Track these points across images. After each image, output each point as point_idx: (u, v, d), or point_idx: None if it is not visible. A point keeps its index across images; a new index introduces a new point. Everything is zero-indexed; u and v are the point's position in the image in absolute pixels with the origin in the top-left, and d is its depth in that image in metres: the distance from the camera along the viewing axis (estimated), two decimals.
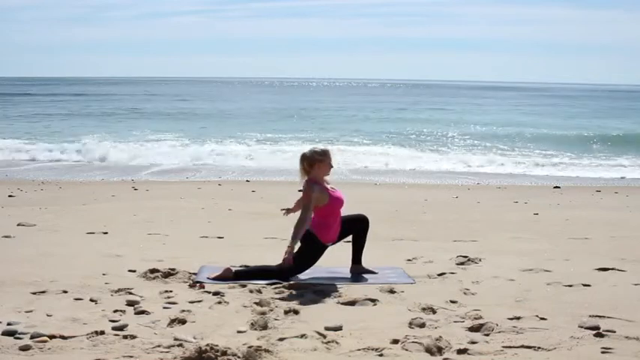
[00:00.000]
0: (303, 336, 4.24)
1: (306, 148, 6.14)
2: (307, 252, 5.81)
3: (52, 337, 4.10)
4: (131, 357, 3.85)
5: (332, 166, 5.97)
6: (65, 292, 5.24)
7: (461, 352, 4.01)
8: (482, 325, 4.46)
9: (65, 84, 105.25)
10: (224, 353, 3.82)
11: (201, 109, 45.05)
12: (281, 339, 4.17)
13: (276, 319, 4.60)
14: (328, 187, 5.91)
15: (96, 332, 4.19)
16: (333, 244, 5.96)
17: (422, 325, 4.51)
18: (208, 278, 5.67)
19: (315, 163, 5.86)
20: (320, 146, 6.09)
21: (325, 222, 5.83)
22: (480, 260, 6.62)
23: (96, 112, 41.62)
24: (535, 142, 26.77)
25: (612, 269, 6.29)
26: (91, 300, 5.01)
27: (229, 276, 5.69)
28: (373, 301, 5.15)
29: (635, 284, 5.74)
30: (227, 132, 28.66)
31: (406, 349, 4.03)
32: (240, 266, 6.08)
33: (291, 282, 5.58)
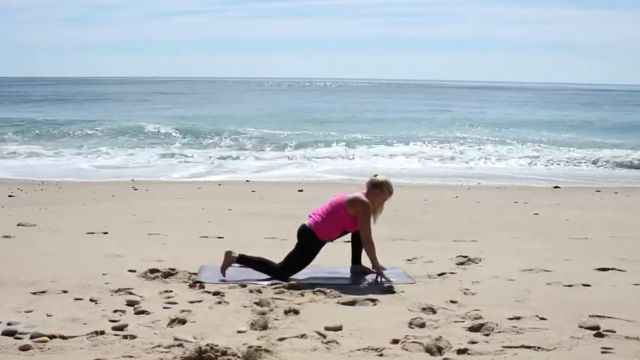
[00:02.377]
0: (303, 336, 4.24)
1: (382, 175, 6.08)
2: (305, 248, 5.83)
3: (52, 337, 4.11)
4: (131, 357, 3.85)
5: (389, 194, 5.96)
6: (65, 292, 5.24)
7: (461, 352, 4.01)
8: (482, 325, 4.46)
9: (69, 84, 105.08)
10: (224, 353, 3.82)
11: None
12: (281, 339, 4.17)
13: (276, 319, 4.60)
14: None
15: (96, 332, 4.19)
16: (331, 241, 5.97)
17: (422, 325, 4.51)
18: (221, 279, 5.69)
19: (374, 190, 5.89)
20: (380, 177, 6.00)
21: (329, 223, 5.83)
22: (480, 260, 6.62)
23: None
24: (535, 142, 26.75)
25: (612, 269, 6.29)
26: (91, 300, 5.01)
27: (233, 260, 5.80)
28: (373, 301, 5.15)
29: (635, 284, 5.75)
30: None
31: (406, 349, 4.04)
32: (241, 266, 6.08)
33: (291, 282, 5.58)
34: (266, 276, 5.79)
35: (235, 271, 5.91)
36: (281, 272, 5.76)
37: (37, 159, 20.91)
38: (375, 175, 6.05)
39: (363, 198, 5.85)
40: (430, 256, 6.81)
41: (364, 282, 5.79)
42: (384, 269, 5.88)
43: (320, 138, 27.20)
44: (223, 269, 5.79)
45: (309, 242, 5.85)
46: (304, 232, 5.88)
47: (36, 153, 21.91)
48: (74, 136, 26.92)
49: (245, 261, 5.89)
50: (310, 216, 5.96)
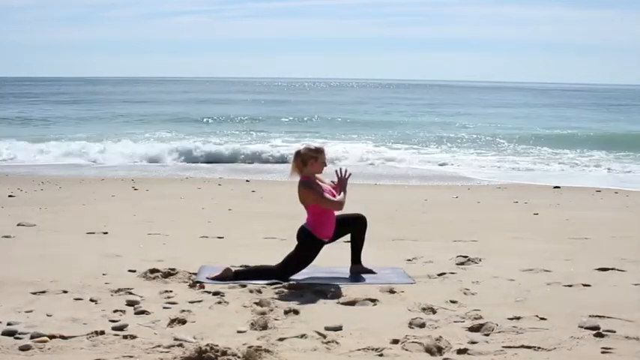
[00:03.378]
0: (303, 336, 4.24)
1: (301, 145, 6.07)
2: (304, 249, 5.81)
3: (52, 337, 4.11)
4: (131, 357, 3.85)
5: (325, 165, 5.90)
6: (65, 292, 5.24)
7: (461, 352, 4.01)
8: (482, 325, 4.46)
9: (76, 84, 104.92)
10: (224, 353, 3.82)
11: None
12: (281, 339, 4.17)
13: (276, 319, 4.60)
14: (322, 184, 5.88)
15: (96, 332, 4.19)
16: (330, 241, 5.95)
17: (422, 325, 4.51)
18: (208, 278, 5.68)
19: (308, 160, 5.82)
20: (315, 143, 6.06)
21: (320, 220, 5.82)
22: (480, 260, 6.62)
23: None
24: (535, 142, 26.75)
25: (612, 269, 6.29)
26: (91, 300, 5.01)
27: (229, 276, 5.70)
28: (373, 301, 5.15)
29: (635, 284, 5.75)
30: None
31: (406, 349, 4.04)
32: (240, 266, 6.09)
33: (291, 282, 5.58)
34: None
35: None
36: (280, 273, 5.74)
37: None
38: (306, 145, 5.96)
39: (303, 184, 5.77)
40: (430, 256, 6.81)
41: (364, 282, 5.79)
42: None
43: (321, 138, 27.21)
44: (217, 278, 5.69)
45: (307, 243, 5.84)
46: (302, 233, 5.87)
47: None
48: None
49: (242, 277, 5.74)
50: (306, 221, 5.92)
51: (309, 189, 5.76)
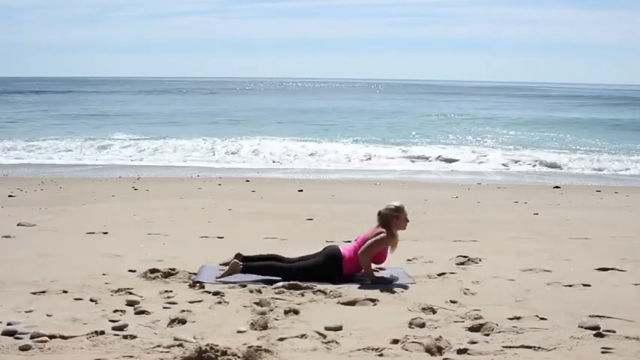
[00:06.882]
0: (303, 336, 4.24)
1: (382, 205, 6.02)
2: (327, 271, 5.79)
3: (52, 337, 4.11)
4: (131, 357, 3.85)
5: (408, 221, 5.98)
6: (65, 292, 5.24)
7: (461, 352, 4.01)
8: (482, 325, 4.47)
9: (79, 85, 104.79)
10: (224, 353, 3.82)
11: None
12: (281, 339, 4.18)
13: (276, 319, 4.60)
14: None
15: (96, 332, 4.20)
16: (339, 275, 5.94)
17: (422, 325, 4.51)
18: (217, 278, 5.67)
19: (391, 220, 5.88)
20: (395, 202, 5.99)
21: (354, 259, 5.85)
22: (480, 260, 6.62)
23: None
24: (535, 142, 26.77)
25: (612, 269, 6.29)
26: (91, 300, 5.01)
27: (237, 270, 5.74)
28: (373, 301, 5.15)
29: (635, 284, 5.75)
30: None
31: (406, 349, 4.04)
32: (247, 257, 6.02)
33: (291, 282, 5.58)
34: (267, 277, 5.76)
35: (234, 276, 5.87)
36: (291, 277, 5.69)
37: None
38: (386, 205, 5.99)
39: (391, 231, 5.87)
40: (430, 256, 6.81)
41: (364, 282, 5.79)
42: (384, 277, 5.85)
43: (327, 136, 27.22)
44: (224, 275, 5.73)
45: (332, 268, 5.80)
46: (334, 257, 5.83)
47: None
48: None
49: (250, 271, 5.80)
50: (345, 251, 5.90)
51: (381, 241, 5.82)
